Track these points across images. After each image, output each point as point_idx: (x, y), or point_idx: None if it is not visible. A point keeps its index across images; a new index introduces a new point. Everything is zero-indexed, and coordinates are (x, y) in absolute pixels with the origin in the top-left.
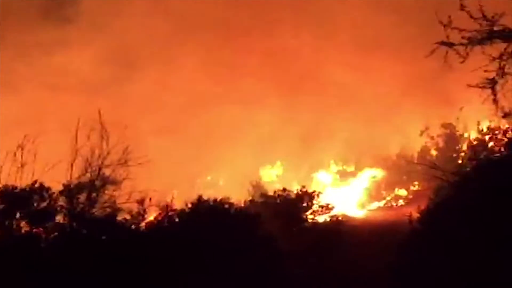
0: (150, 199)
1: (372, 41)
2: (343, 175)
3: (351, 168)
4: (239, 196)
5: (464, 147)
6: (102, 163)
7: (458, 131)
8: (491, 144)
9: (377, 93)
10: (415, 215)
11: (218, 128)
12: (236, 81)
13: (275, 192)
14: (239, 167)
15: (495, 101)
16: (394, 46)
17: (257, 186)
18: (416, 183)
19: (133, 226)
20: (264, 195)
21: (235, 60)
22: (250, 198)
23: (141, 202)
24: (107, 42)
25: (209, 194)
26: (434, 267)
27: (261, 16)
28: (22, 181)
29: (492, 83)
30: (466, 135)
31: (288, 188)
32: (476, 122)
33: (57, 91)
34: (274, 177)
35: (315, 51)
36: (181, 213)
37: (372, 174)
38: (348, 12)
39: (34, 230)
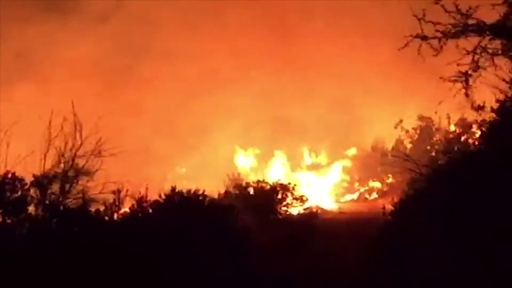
0: (127, 190)
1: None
2: (316, 166)
3: (324, 159)
4: (214, 187)
5: (438, 140)
6: (75, 153)
7: (434, 124)
8: (463, 137)
9: (352, 83)
10: (389, 207)
11: (193, 117)
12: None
13: (248, 184)
14: (215, 157)
15: (467, 94)
16: (369, 37)
17: (233, 178)
18: (390, 175)
19: (106, 217)
20: (238, 186)
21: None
22: (225, 189)
23: (116, 193)
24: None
25: (183, 185)
26: (407, 259)
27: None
28: None
29: (465, 77)
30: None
31: (262, 179)
32: (446, 115)
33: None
34: (249, 167)
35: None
36: (155, 204)
37: (345, 166)
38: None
39: (6, 221)
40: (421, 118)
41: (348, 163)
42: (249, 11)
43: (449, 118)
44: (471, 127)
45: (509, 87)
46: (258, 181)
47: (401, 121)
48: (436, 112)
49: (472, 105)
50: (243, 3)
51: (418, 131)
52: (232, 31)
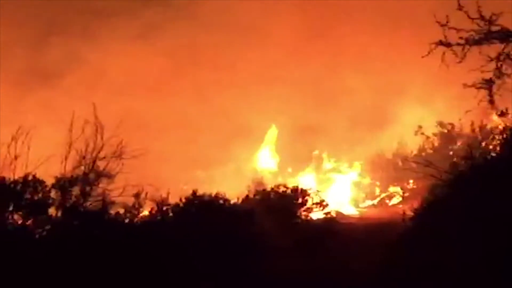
0: (146, 194)
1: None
2: (336, 171)
3: (344, 165)
4: (237, 191)
5: (459, 146)
6: (96, 156)
7: (455, 130)
8: (484, 143)
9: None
10: (409, 213)
11: (217, 119)
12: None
13: (271, 188)
14: (238, 161)
15: (491, 101)
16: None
17: (256, 182)
18: (411, 181)
19: (126, 220)
20: (259, 191)
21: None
22: (246, 193)
23: (136, 196)
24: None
25: (205, 189)
26: (426, 266)
27: None
28: (16, 173)
29: (489, 84)
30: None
31: (283, 183)
32: (470, 122)
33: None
34: (271, 170)
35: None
36: (175, 208)
37: (365, 172)
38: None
39: (27, 222)
40: (441, 124)
41: (368, 168)
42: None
43: (472, 124)
44: (493, 133)
45: None
46: (279, 185)
47: (420, 127)
48: (460, 119)
49: (496, 111)
50: None
51: (438, 137)
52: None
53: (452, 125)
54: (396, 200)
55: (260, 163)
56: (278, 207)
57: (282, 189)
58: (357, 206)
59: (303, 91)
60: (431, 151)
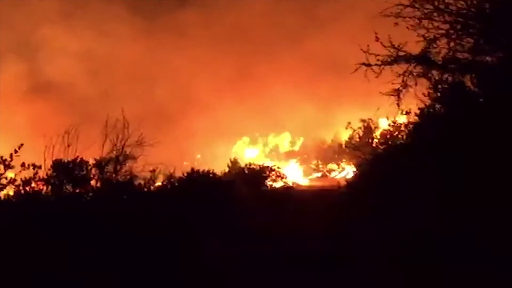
0: (159, 170)
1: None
2: (293, 153)
3: (298, 147)
4: (220, 169)
5: (377, 136)
6: (124, 144)
7: (374, 124)
8: (395, 134)
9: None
10: (343, 182)
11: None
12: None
13: (244, 165)
14: (219, 146)
15: (398, 105)
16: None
17: (233, 162)
18: (344, 160)
19: (145, 189)
20: (236, 168)
21: None
22: (227, 170)
23: (152, 171)
24: None
25: (200, 166)
26: (357, 217)
27: None
28: (68, 157)
29: (397, 92)
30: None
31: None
32: (385, 118)
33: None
34: (243, 153)
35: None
36: (180, 179)
37: (313, 153)
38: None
39: (76, 191)
40: (363, 120)
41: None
42: None
43: (387, 119)
44: (400, 127)
45: (428, 99)
46: (250, 164)
47: (349, 123)
48: (375, 115)
49: (402, 111)
50: None
51: (362, 130)
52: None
53: (371, 120)
54: (334, 173)
55: (239, 149)
56: (251, 179)
57: (252, 166)
58: (307, 178)
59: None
60: (358, 140)
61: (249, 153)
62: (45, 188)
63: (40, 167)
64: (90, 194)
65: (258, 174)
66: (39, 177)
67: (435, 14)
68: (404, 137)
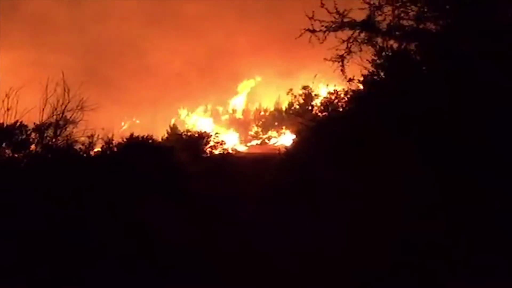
0: (99, 135)
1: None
2: (234, 121)
3: (239, 115)
4: (159, 134)
5: (318, 103)
6: (64, 108)
7: (313, 91)
8: (336, 101)
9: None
10: (282, 149)
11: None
12: None
13: (183, 132)
14: (160, 109)
15: (342, 71)
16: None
17: (172, 128)
18: (284, 127)
19: (85, 154)
20: (175, 134)
21: None
22: (166, 136)
23: (91, 137)
24: None
25: (137, 132)
26: (296, 181)
27: None
28: (8, 120)
29: (341, 58)
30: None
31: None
32: (326, 85)
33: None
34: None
35: None
36: (119, 145)
37: (253, 119)
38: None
39: (15, 155)
40: (304, 87)
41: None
42: None
43: (327, 86)
44: (340, 94)
45: (371, 65)
46: (189, 130)
47: (291, 89)
48: (313, 83)
49: (345, 78)
50: None
51: (303, 97)
52: None
53: (310, 88)
54: (273, 140)
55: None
56: (190, 145)
57: (190, 133)
58: (246, 144)
59: None
60: (298, 107)
61: (203, 123)
62: None
63: None
64: (29, 158)
65: (197, 141)
66: None
67: None
68: (344, 104)
